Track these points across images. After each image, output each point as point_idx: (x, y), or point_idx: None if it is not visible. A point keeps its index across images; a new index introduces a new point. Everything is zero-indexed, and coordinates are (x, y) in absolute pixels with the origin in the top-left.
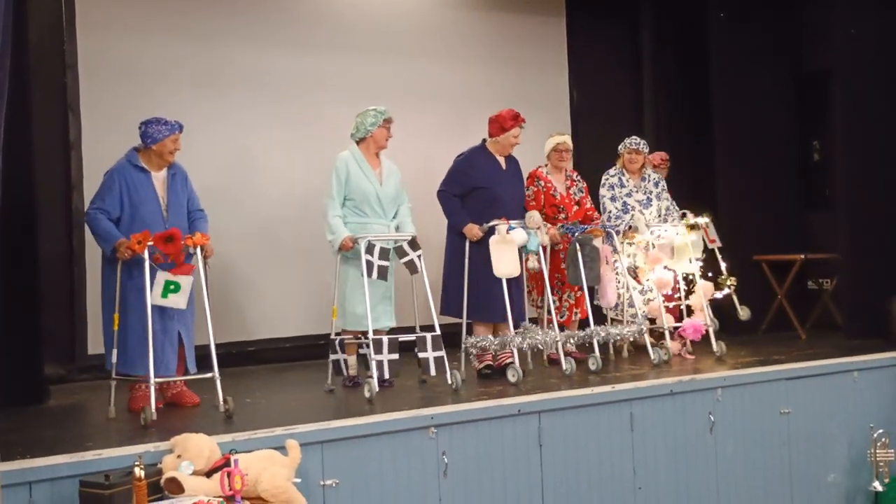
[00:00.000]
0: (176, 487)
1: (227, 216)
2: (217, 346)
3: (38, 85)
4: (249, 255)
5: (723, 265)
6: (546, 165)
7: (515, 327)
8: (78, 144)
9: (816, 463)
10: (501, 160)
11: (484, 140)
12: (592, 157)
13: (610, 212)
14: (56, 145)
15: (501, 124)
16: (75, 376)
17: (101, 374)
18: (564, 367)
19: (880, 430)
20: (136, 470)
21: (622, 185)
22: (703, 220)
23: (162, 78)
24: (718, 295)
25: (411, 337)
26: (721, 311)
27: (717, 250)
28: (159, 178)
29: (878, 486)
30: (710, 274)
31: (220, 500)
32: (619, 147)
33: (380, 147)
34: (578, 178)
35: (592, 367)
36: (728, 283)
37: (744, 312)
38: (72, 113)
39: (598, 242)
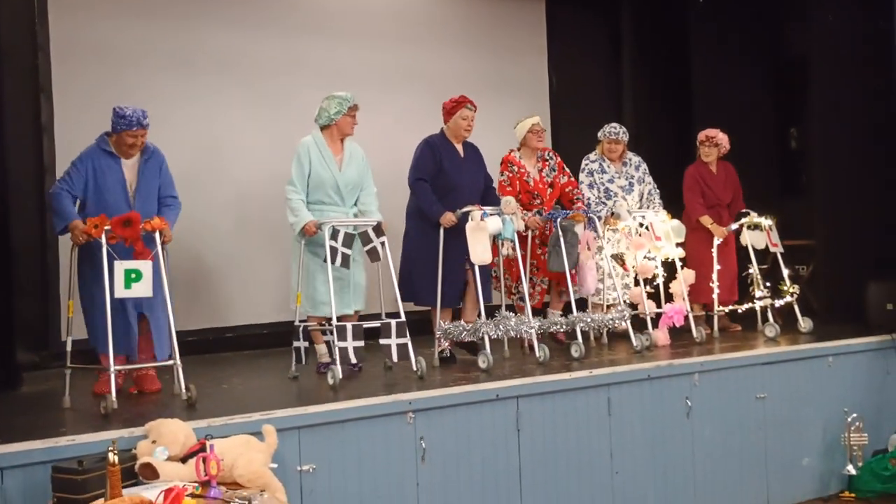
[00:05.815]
0: (150, 473)
1: (204, 199)
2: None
3: (10, 68)
4: (226, 240)
5: (785, 272)
6: (519, 150)
7: (488, 314)
8: (50, 128)
9: (791, 447)
10: (459, 147)
11: (442, 129)
12: (571, 142)
13: (589, 198)
14: (28, 129)
15: (447, 109)
16: (48, 363)
17: (75, 361)
18: (538, 355)
19: (854, 415)
20: (110, 455)
21: (603, 171)
22: (766, 221)
23: (135, 60)
24: (779, 303)
25: (376, 324)
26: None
27: (779, 256)
28: (129, 164)
29: (851, 469)
30: (767, 283)
31: (196, 485)
32: (599, 134)
33: (344, 134)
34: (550, 155)
35: (575, 355)
36: (790, 291)
37: (805, 324)
38: (44, 96)
39: (579, 228)
